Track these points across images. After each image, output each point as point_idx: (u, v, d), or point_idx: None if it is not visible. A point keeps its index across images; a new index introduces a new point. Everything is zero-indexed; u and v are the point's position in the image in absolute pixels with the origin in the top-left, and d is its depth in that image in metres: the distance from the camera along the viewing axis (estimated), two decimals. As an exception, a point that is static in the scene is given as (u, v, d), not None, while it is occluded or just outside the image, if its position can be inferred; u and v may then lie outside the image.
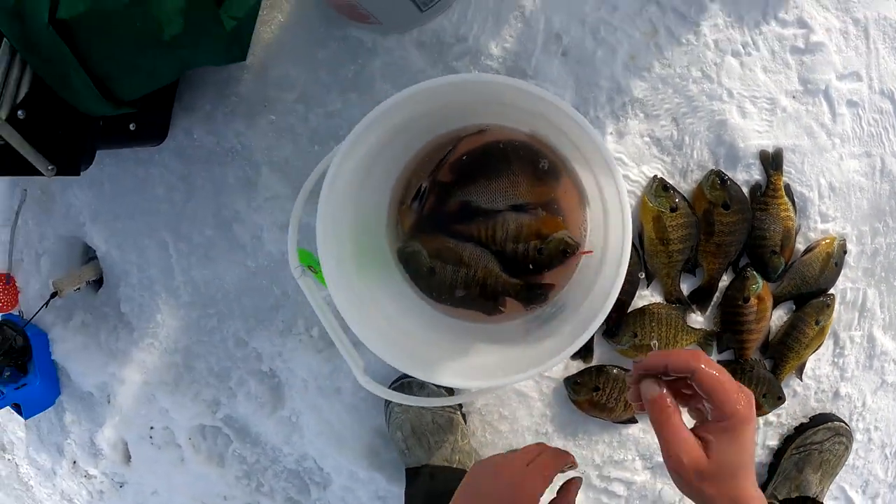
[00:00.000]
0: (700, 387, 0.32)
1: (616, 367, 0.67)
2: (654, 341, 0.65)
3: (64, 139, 0.63)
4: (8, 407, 0.83)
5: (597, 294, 0.45)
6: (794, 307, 0.70)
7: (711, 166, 0.66)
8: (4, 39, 0.60)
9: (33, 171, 0.61)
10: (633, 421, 0.69)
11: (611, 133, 0.64)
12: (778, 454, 0.73)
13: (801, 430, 0.72)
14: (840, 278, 0.71)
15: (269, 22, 0.70)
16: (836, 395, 0.73)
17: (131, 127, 0.69)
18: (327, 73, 0.68)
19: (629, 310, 0.66)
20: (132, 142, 0.71)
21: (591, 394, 0.65)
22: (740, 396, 0.31)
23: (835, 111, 0.65)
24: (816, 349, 0.71)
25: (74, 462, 0.94)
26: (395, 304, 0.54)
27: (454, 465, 0.61)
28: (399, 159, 0.57)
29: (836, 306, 0.70)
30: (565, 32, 0.63)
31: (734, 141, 0.65)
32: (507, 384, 0.45)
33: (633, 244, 0.64)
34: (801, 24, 0.64)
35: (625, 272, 0.41)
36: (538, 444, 0.44)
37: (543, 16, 0.63)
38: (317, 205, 0.47)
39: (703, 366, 0.31)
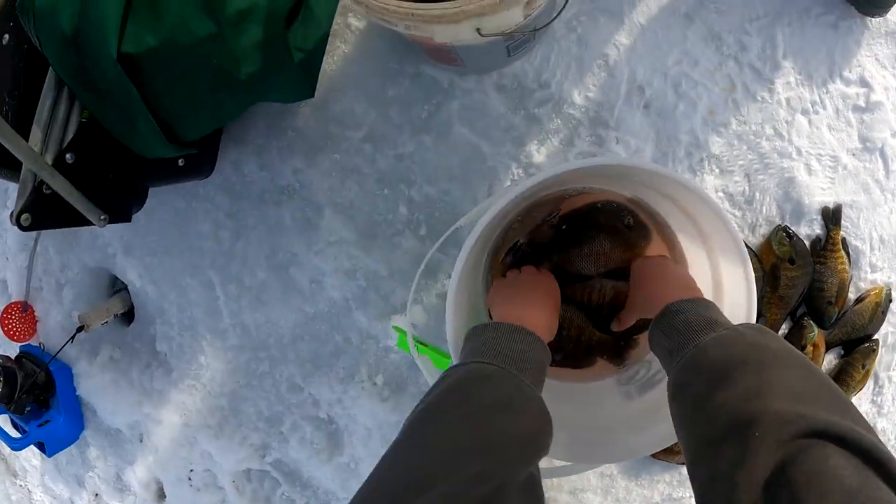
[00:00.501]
0: None
1: None
2: None
3: (115, 183, 0.57)
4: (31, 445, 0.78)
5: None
6: (842, 352, 0.74)
7: (778, 221, 0.68)
8: (50, 72, 0.53)
9: (83, 222, 0.55)
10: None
11: (690, 188, 0.65)
12: None
13: None
14: (883, 323, 0.75)
15: (331, 52, 0.65)
16: (874, 428, 0.79)
17: (180, 163, 0.63)
18: (398, 112, 0.64)
19: None
20: (180, 177, 0.66)
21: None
22: None
23: (888, 168, 0.68)
24: (860, 390, 0.75)
25: (97, 495, 0.89)
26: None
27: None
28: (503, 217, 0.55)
29: (880, 350, 0.74)
30: (648, 85, 0.62)
31: (801, 197, 0.66)
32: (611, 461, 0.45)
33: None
34: (863, 83, 0.65)
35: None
36: None
37: (627, 67, 0.62)
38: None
39: None
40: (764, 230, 0.67)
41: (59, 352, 0.76)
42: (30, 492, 0.96)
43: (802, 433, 0.26)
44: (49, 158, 0.52)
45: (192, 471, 0.80)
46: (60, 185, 0.52)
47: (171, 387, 0.77)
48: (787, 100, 0.65)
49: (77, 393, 0.80)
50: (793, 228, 0.68)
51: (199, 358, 0.75)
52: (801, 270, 0.67)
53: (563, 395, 0.55)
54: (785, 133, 0.65)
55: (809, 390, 0.29)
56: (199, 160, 0.66)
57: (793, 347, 0.33)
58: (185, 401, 0.77)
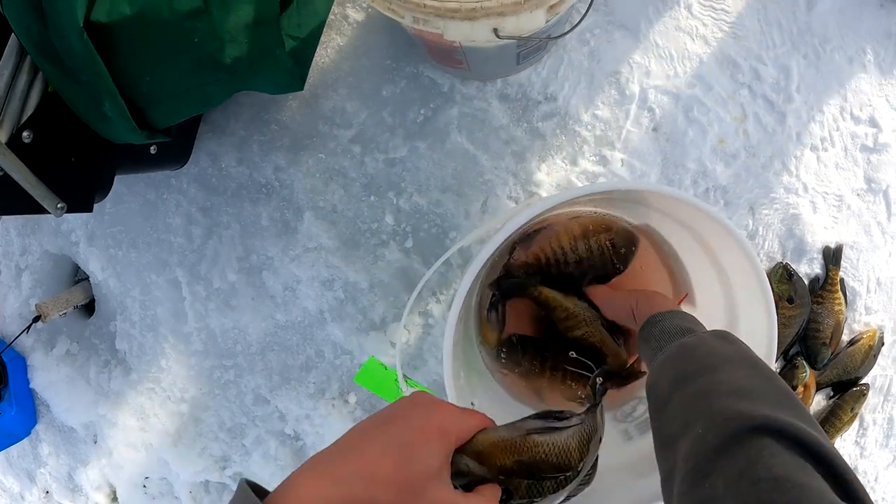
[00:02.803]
0: None
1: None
2: None
3: (77, 168, 0.51)
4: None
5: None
6: (831, 393, 0.72)
7: (779, 258, 0.66)
8: (12, 38, 0.47)
9: (37, 209, 0.49)
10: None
11: (695, 220, 0.61)
12: None
13: None
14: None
15: (325, 44, 0.61)
16: (855, 471, 0.77)
17: (152, 150, 0.58)
18: (392, 113, 0.60)
19: None
20: (152, 166, 0.60)
21: None
22: None
23: (891, 210, 0.66)
24: (845, 431, 0.74)
25: (47, 492, 0.84)
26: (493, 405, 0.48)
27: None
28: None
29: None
30: (659, 107, 0.58)
31: (804, 235, 0.64)
32: None
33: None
34: (873, 123, 0.63)
35: None
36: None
37: (639, 87, 0.58)
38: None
39: None
40: (764, 266, 0.65)
41: (13, 341, 0.71)
42: (-23, 483, 0.90)
43: (743, 428, 0.26)
44: (3, 136, 0.47)
45: (147, 478, 0.74)
46: (13, 167, 0.47)
47: (129, 388, 0.72)
48: (798, 134, 0.62)
49: (31, 386, 0.75)
50: (793, 266, 0.65)
51: (159, 360, 0.70)
52: (799, 310, 0.64)
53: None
54: (793, 168, 0.63)
55: (755, 388, 0.30)
56: (173, 149, 0.61)
57: (748, 349, 0.35)
58: (143, 404, 0.72)
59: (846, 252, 0.67)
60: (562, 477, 0.34)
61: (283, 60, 0.50)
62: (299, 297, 0.64)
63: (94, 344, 0.73)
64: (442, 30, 0.42)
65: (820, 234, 0.65)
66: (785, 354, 0.68)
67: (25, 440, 0.79)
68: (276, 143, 0.62)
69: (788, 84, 0.61)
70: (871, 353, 0.70)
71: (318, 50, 0.60)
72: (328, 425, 0.66)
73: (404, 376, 0.43)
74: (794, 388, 0.66)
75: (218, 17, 0.45)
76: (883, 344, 0.72)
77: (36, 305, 0.69)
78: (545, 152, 0.59)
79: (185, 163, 0.63)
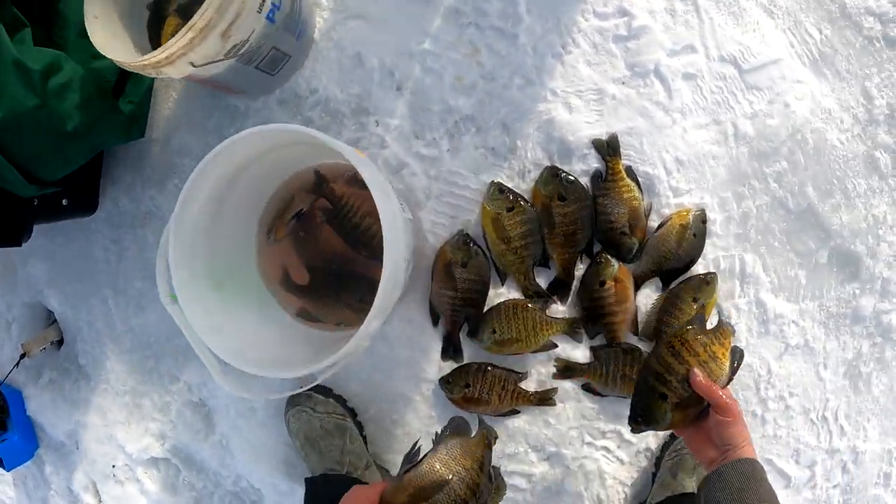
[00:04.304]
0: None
1: (483, 363, 0.72)
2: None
3: (3, 216, 0.76)
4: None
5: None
6: (660, 284, 0.72)
7: (547, 163, 0.71)
8: None
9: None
10: (514, 412, 0.73)
11: (447, 150, 0.72)
12: (657, 462, 0.72)
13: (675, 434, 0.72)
14: (710, 248, 0.73)
15: (167, 100, 0.84)
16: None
17: (64, 202, 0.82)
18: (214, 137, 0.80)
19: (486, 308, 0.72)
20: (67, 215, 0.84)
21: (464, 390, 0.71)
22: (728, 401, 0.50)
23: (670, 87, 0.68)
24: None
25: (58, 511, 1.03)
26: (255, 313, 0.63)
27: (345, 468, 0.67)
28: (259, 194, 0.67)
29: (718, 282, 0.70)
30: (396, 68, 0.73)
31: (563, 136, 0.70)
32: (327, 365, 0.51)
33: (478, 246, 0.70)
34: (622, 12, 0.67)
35: (389, 261, 0.47)
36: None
37: (376, 58, 0.73)
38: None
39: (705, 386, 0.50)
40: (534, 175, 0.72)
41: (6, 376, 0.95)
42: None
43: None
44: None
45: (114, 466, 0.93)
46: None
47: (90, 394, 0.92)
48: (534, 48, 0.68)
49: (28, 413, 0.98)
50: (564, 167, 0.71)
51: (106, 364, 0.90)
52: (576, 206, 0.69)
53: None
54: (535, 78, 0.69)
55: None
56: (81, 200, 0.85)
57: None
58: (101, 403, 0.92)
59: (625, 140, 0.69)
60: (443, 491, 0.45)
61: (118, 120, 0.74)
62: (180, 288, 0.82)
63: (67, 367, 0.95)
64: (166, 74, 0.60)
65: (584, 131, 0.69)
66: (589, 253, 0.72)
67: (34, 466, 0.99)
68: (150, 180, 0.84)
69: (516, 8, 0.68)
70: (689, 232, 0.69)
71: (163, 104, 0.83)
72: (218, 386, 0.81)
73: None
74: (603, 283, 0.69)
75: (55, 105, 0.68)
76: (705, 221, 0.72)
77: (21, 345, 0.93)
78: (317, 132, 0.75)
79: (95, 209, 0.87)
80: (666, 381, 0.51)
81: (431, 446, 0.50)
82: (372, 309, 0.46)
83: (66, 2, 0.74)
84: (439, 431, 0.52)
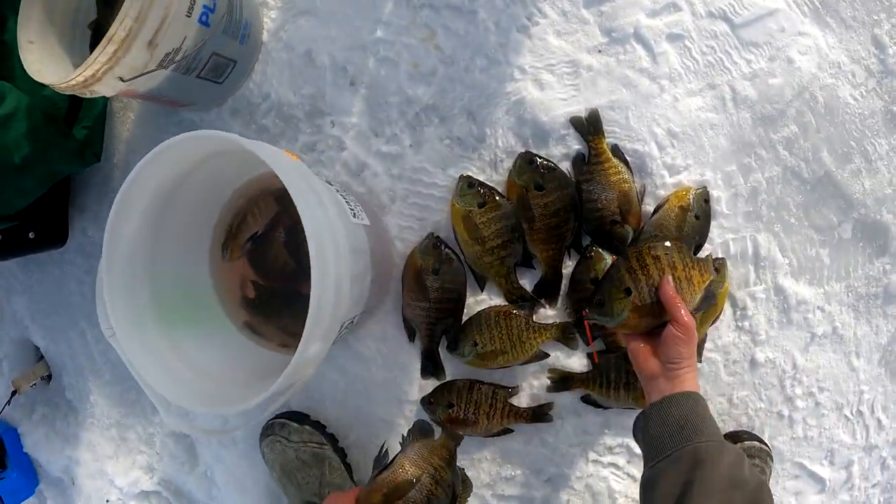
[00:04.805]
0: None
1: (468, 380, 0.65)
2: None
3: None
4: (-5, 500, 0.94)
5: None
6: None
7: (521, 149, 0.63)
8: None
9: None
10: (507, 431, 0.66)
11: (410, 146, 0.66)
12: None
13: None
14: (716, 231, 0.65)
15: (125, 122, 0.80)
16: (755, 363, 0.66)
17: (31, 235, 0.80)
18: (172, 154, 0.76)
19: (465, 318, 0.65)
20: (35, 248, 0.82)
21: (448, 410, 0.64)
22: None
23: (653, 52, 0.61)
24: (714, 321, 0.64)
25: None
26: (205, 336, 0.58)
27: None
28: (208, 205, 0.63)
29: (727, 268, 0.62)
30: (349, 63, 0.67)
31: (536, 117, 0.62)
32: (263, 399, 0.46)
33: (450, 250, 0.63)
34: None
35: (315, 266, 0.41)
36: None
37: (327, 55, 0.68)
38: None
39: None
40: (508, 164, 0.65)
41: (0, 412, 0.94)
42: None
43: None
44: None
45: (108, 501, 0.90)
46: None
47: (79, 428, 0.90)
48: (496, 23, 0.62)
49: (24, 450, 0.97)
50: (541, 152, 0.63)
51: (90, 397, 0.88)
52: (556, 194, 0.61)
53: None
54: (500, 57, 0.62)
55: None
56: (49, 233, 0.83)
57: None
58: (90, 437, 0.89)
59: (607, 115, 0.61)
60: (415, 488, 0.48)
61: (71, 147, 0.70)
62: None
63: (56, 402, 0.94)
64: (98, 92, 0.56)
65: (560, 109, 0.62)
66: (577, 248, 0.64)
67: (35, 500, 0.98)
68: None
69: None
70: (690, 214, 0.61)
71: (121, 126, 0.80)
72: (198, 417, 0.77)
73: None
74: (595, 280, 0.62)
75: (1, 135, 0.65)
76: (707, 201, 0.64)
77: (11, 382, 0.92)
78: (272, 141, 0.70)
79: (65, 241, 0.85)
80: (636, 278, 0.51)
81: (399, 449, 0.52)
82: (304, 334, 0.40)
83: (11, 32, 0.71)
84: (405, 435, 0.55)
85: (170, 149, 0.47)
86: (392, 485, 0.48)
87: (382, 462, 0.51)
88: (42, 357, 0.97)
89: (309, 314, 0.41)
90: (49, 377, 0.96)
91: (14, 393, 0.92)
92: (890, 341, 0.67)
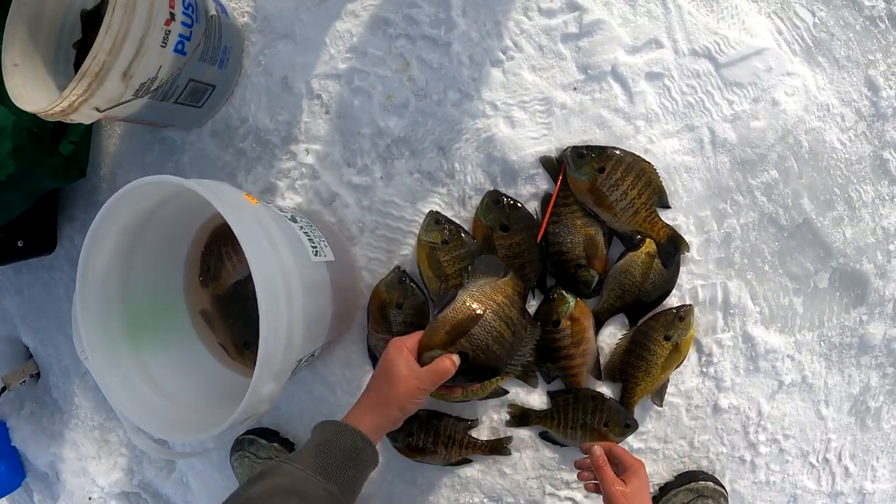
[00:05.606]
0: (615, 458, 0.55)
1: (429, 410, 0.67)
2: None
3: None
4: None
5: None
6: (626, 321, 0.64)
7: (489, 187, 0.63)
8: None
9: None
10: (466, 462, 0.67)
11: (380, 178, 0.66)
12: None
13: (665, 489, 0.64)
14: (685, 277, 0.63)
15: (112, 136, 0.82)
16: (717, 408, 0.65)
17: (19, 244, 0.82)
18: (154, 172, 0.78)
19: None
20: (24, 256, 0.84)
21: (408, 439, 0.65)
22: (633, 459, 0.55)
23: (631, 91, 0.59)
24: (678, 367, 0.63)
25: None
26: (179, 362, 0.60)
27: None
28: (177, 243, 0.64)
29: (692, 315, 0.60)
30: (324, 91, 0.67)
31: (505, 155, 0.61)
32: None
33: (415, 285, 0.64)
34: (572, 6, 0.59)
35: (263, 311, 0.42)
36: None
37: (303, 82, 0.68)
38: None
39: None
40: (476, 201, 0.64)
41: (-12, 408, 0.98)
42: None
43: None
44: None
45: (90, 499, 0.94)
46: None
47: (64, 427, 0.94)
48: (471, 56, 0.61)
49: (12, 444, 1.01)
50: (509, 191, 0.61)
51: (75, 399, 0.91)
52: (521, 236, 0.60)
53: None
54: (473, 92, 0.61)
55: None
56: (37, 240, 0.86)
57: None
58: (74, 437, 0.93)
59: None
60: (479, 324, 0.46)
61: (56, 164, 0.72)
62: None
63: (44, 400, 0.97)
64: (78, 120, 0.57)
65: (530, 148, 0.61)
66: (542, 289, 0.63)
67: (23, 492, 1.02)
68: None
69: (448, 12, 0.61)
70: (656, 261, 0.60)
71: (108, 140, 0.81)
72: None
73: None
74: (557, 323, 0.60)
75: None
76: (677, 247, 0.63)
77: (1, 378, 0.96)
78: (248, 166, 0.71)
79: (54, 248, 0.87)
80: None
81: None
82: (253, 377, 0.41)
83: (-2, 53, 0.73)
84: (470, 268, 0.52)
85: (129, 192, 0.49)
86: (454, 321, 0.45)
87: (445, 299, 0.48)
88: (31, 356, 1.01)
89: (258, 359, 0.42)
90: (38, 375, 0.99)
91: (4, 388, 0.95)
92: (862, 391, 0.66)
